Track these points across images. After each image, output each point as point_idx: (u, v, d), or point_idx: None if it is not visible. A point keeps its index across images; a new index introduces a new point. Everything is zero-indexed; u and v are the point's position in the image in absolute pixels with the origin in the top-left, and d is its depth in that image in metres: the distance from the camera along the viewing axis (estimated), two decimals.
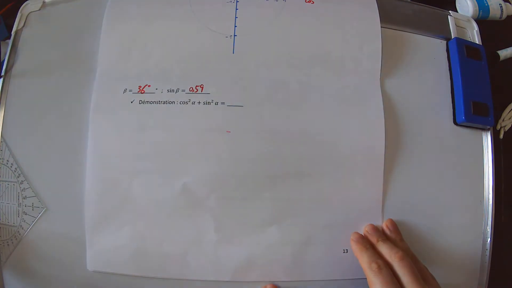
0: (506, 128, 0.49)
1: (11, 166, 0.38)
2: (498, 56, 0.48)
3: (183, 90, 0.37)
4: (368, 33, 0.40)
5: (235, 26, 0.39)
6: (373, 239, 0.35)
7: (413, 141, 0.39)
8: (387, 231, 0.36)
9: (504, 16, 0.48)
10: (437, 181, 0.39)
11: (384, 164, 0.38)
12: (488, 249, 0.39)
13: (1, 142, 0.38)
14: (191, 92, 0.37)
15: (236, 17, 0.39)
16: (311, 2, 0.41)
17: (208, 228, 0.36)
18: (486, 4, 0.47)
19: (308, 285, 0.37)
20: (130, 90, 0.38)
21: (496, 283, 0.40)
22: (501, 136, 0.48)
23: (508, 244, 0.43)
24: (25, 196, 0.38)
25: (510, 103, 0.49)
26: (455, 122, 0.41)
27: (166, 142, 0.37)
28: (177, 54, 0.39)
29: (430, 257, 0.37)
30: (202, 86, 0.38)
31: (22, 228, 0.38)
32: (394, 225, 0.37)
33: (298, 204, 0.37)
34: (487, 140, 0.41)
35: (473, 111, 0.40)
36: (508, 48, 0.49)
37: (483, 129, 0.41)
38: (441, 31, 0.43)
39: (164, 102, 0.37)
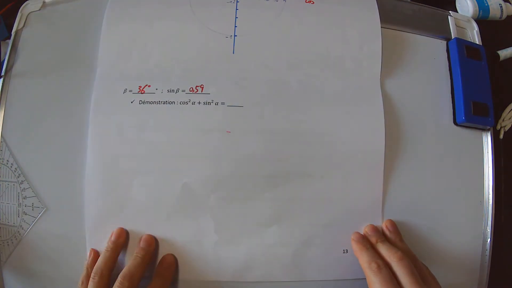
0: (506, 128, 0.49)
1: (11, 166, 0.38)
2: (498, 56, 0.48)
3: (183, 90, 0.37)
4: (368, 33, 0.40)
5: (235, 26, 0.39)
6: (373, 239, 0.35)
7: (413, 141, 0.39)
8: (387, 232, 0.36)
9: (504, 16, 0.48)
10: (437, 181, 0.39)
11: (384, 164, 0.38)
12: (488, 249, 0.39)
13: (1, 142, 0.38)
14: (191, 92, 0.37)
15: (236, 17, 0.39)
16: (311, 2, 0.41)
17: (208, 228, 0.36)
18: (486, 4, 0.47)
19: (308, 285, 0.37)
20: (130, 90, 0.38)
21: (496, 283, 0.40)
22: (501, 136, 0.48)
23: (508, 244, 0.43)
24: (25, 196, 0.38)
25: (510, 103, 0.49)
26: (455, 122, 0.41)
27: (166, 142, 0.37)
28: (177, 54, 0.39)
29: (430, 257, 0.37)
30: (202, 86, 0.38)
31: (22, 228, 0.38)
32: (394, 225, 0.37)
33: (298, 204, 0.37)
34: (487, 140, 0.41)
35: (473, 111, 0.40)
36: (508, 48, 0.49)
37: (483, 129, 0.41)
38: (441, 31, 0.44)
39: (164, 102, 0.37)
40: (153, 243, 0.35)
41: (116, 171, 0.37)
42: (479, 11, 0.46)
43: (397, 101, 0.40)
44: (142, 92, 0.38)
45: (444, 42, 0.43)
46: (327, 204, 0.37)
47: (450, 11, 0.45)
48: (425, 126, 0.40)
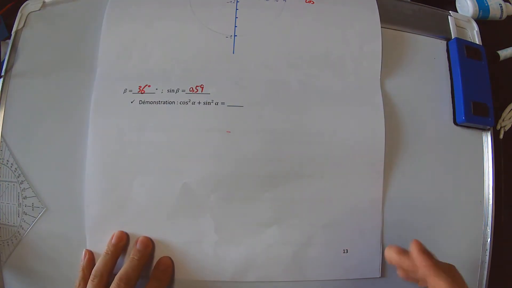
0: (506, 128, 0.49)
1: (11, 166, 0.38)
2: (498, 56, 0.48)
3: (183, 90, 0.37)
4: (368, 33, 0.40)
5: (235, 26, 0.39)
6: None
7: (413, 141, 0.39)
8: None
9: (504, 16, 0.48)
10: (437, 181, 0.39)
11: (384, 164, 0.38)
12: (488, 249, 0.39)
13: (1, 142, 0.38)
14: (191, 92, 0.37)
15: (236, 17, 0.39)
16: (311, 2, 0.41)
17: (208, 228, 0.36)
18: (486, 4, 0.47)
19: (308, 285, 0.37)
20: (130, 90, 0.38)
21: (496, 283, 0.40)
22: (501, 136, 0.48)
23: (508, 244, 0.43)
24: (25, 196, 0.38)
25: (510, 103, 0.49)
26: (455, 122, 0.41)
27: (166, 142, 0.37)
28: (177, 54, 0.39)
29: None
30: (202, 86, 0.38)
31: (22, 228, 0.38)
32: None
33: (298, 204, 0.37)
34: (487, 140, 0.41)
35: (473, 111, 0.40)
36: (508, 48, 0.49)
37: (483, 129, 0.41)
38: (441, 31, 0.44)
39: (164, 102, 0.37)
40: (149, 245, 0.36)
41: (116, 171, 0.37)
42: (479, 11, 0.46)
43: (397, 101, 0.40)
44: (142, 92, 0.38)
45: (444, 42, 0.43)
46: (327, 204, 0.37)
47: (450, 11, 0.45)
48: (425, 126, 0.40)
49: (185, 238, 0.36)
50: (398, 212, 0.38)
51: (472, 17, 0.46)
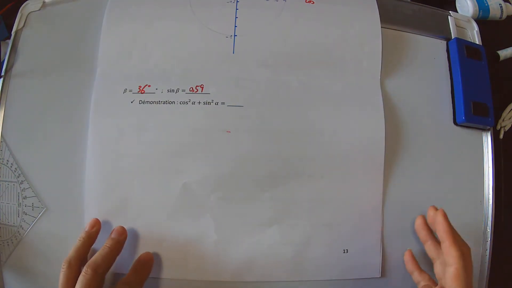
0: (506, 128, 0.49)
1: (11, 166, 0.38)
2: (498, 56, 0.49)
3: (183, 90, 0.37)
4: (368, 33, 0.40)
5: (235, 26, 0.39)
6: None
7: (413, 141, 0.39)
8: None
9: (504, 16, 0.48)
10: (437, 181, 0.39)
11: (384, 164, 0.38)
12: (488, 249, 0.39)
13: (1, 142, 0.38)
14: (191, 92, 0.37)
15: (236, 17, 0.39)
16: (311, 2, 0.41)
17: (208, 228, 0.36)
18: (486, 4, 0.47)
19: (308, 285, 0.37)
20: (130, 90, 0.38)
21: (496, 283, 0.40)
22: (501, 136, 0.48)
23: (508, 244, 0.43)
24: (25, 196, 0.38)
25: (510, 103, 0.49)
26: (455, 122, 0.41)
27: (166, 142, 0.37)
28: (177, 54, 0.39)
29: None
30: (202, 86, 0.38)
31: (22, 228, 0.38)
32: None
33: (298, 204, 0.37)
34: (487, 140, 0.41)
35: (473, 111, 0.40)
36: (508, 48, 0.49)
37: (483, 129, 0.41)
38: (441, 31, 0.44)
39: (164, 102, 0.37)
40: (124, 233, 0.35)
41: (116, 171, 0.37)
42: (479, 11, 0.46)
43: (397, 101, 0.40)
44: (142, 92, 0.38)
45: (444, 42, 0.43)
46: (327, 204, 0.37)
47: (450, 11, 0.45)
48: (425, 126, 0.40)
49: (185, 238, 0.36)
50: (398, 212, 0.38)
51: (472, 17, 0.46)
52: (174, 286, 0.36)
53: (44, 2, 0.42)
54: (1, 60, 0.40)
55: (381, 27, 0.40)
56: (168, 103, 0.37)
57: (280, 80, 0.38)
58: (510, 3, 0.49)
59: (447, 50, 0.43)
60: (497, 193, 0.40)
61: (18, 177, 0.38)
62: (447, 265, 0.31)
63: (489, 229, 0.39)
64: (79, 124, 0.38)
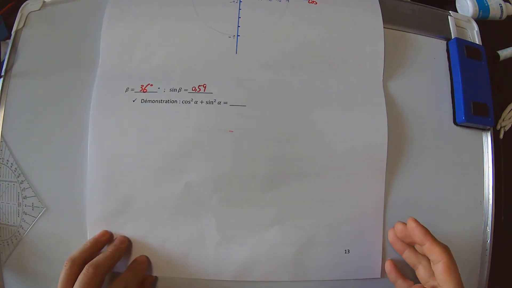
0: (506, 128, 0.49)
1: (11, 166, 0.38)
2: (498, 56, 0.49)
3: (186, 90, 0.37)
4: (370, 34, 0.40)
5: (238, 26, 0.39)
6: None
7: (414, 141, 0.39)
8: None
9: (504, 16, 0.48)
10: (437, 181, 0.39)
11: (386, 164, 0.38)
12: (488, 249, 0.39)
13: (1, 142, 0.38)
14: (194, 91, 0.37)
15: (239, 17, 0.39)
16: (314, 2, 0.41)
17: (210, 228, 0.36)
18: (486, 4, 0.47)
19: (309, 285, 0.37)
20: (132, 89, 0.38)
21: (496, 283, 0.40)
22: (501, 136, 0.48)
23: (508, 244, 0.43)
24: (25, 196, 0.38)
25: (510, 103, 0.49)
26: (455, 122, 0.41)
27: (168, 142, 0.37)
28: (180, 53, 0.39)
29: None
30: (204, 85, 0.38)
31: (22, 228, 0.38)
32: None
33: (300, 204, 0.37)
34: (487, 140, 0.41)
35: (473, 111, 0.40)
36: (508, 48, 0.49)
37: (483, 129, 0.41)
38: (441, 31, 0.44)
39: (166, 101, 0.37)
40: (125, 242, 0.36)
41: (118, 170, 0.37)
42: (479, 11, 0.46)
43: (396, 101, 0.40)
44: (144, 91, 0.37)
45: (444, 42, 0.43)
46: (329, 204, 0.37)
47: (450, 11, 0.45)
48: (425, 126, 0.40)
49: (187, 238, 0.36)
50: (399, 213, 0.38)
51: (472, 17, 0.46)
52: (176, 285, 0.36)
53: (44, 2, 0.42)
54: (1, 60, 0.40)
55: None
56: (170, 102, 0.37)
57: (283, 81, 0.38)
58: (510, 3, 0.49)
59: (447, 50, 0.43)
60: (497, 193, 0.40)
61: (18, 177, 0.38)
62: (435, 263, 0.31)
63: (489, 229, 0.39)
64: (79, 123, 0.38)
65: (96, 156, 0.37)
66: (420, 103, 0.41)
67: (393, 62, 0.41)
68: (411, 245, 0.36)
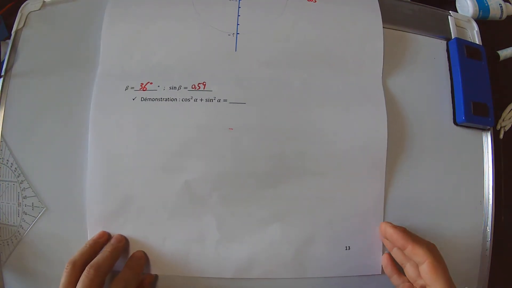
0: (506, 128, 0.49)
1: (11, 166, 0.38)
2: (498, 56, 0.49)
3: (185, 88, 0.37)
4: (370, 33, 0.40)
5: (238, 24, 0.39)
6: None
7: (414, 141, 0.39)
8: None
9: (504, 16, 0.48)
10: (437, 181, 0.39)
11: (386, 163, 0.38)
12: (488, 249, 0.39)
13: (1, 142, 0.38)
14: (193, 89, 0.37)
15: (238, 15, 0.39)
16: (314, 1, 0.41)
17: (210, 226, 0.36)
18: (486, 4, 0.47)
19: (310, 282, 0.37)
20: (132, 88, 0.38)
21: (497, 283, 0.40)
22: (501, 136, 0.48)
23: (508, 244, 0.43)
24: (25, 196, 0.38)
25: (510, 103, 0.49)
26: (455, 122, 0.41)
27: (168, 140, 0.37)
28: (180, 51, 0.39)
29: None
30: (204, 83, 0.38)
31: (22, 228, 0.38)
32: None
33: (300, 202, 0.37)
34: (487, 140, 0.41)
35: (473, 111, 0.40)
36: (508, 48, 0.49)
37: (483, 129, 0.41)
38: (441, 31, 0.44)
39: (166, 100, 0.37)
40: (122, 240, 0.36)
41: (118, 169, 0.36)
42: (479, 11, 0.46)
43: (396, 101, 0.40)
44: (144, 89, 0.37)
45: (444, 42, 0.43)
46: (329, 202, 0.37)
47: (450, 11, 0.45)
48: (425, 126, 0.40)
49: (187, 236, 0.36)
50: (399, 210, 0.38)
51: (472, 17, 0.46)
52: (176, 283, 0.36)
53: (44, 2, 0.42)
54: (1, 60, 0.40)
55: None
56: (170, 100, 0.37)
57: (282, 79, 0.38)
58: (510, 3, 0.49)
59: (447, 50, 0.43)
60: (497, 193, 0.40)
61: (18, 177, 0.38)
62: (419, 264, 0.32)
63: (489, 229, 0.39)
64: (79, 123, 0.38)
65: (96, 156, 0.37)
66: (420, 103, 0.41)
67: (393, 62, 0.41)
68: None
